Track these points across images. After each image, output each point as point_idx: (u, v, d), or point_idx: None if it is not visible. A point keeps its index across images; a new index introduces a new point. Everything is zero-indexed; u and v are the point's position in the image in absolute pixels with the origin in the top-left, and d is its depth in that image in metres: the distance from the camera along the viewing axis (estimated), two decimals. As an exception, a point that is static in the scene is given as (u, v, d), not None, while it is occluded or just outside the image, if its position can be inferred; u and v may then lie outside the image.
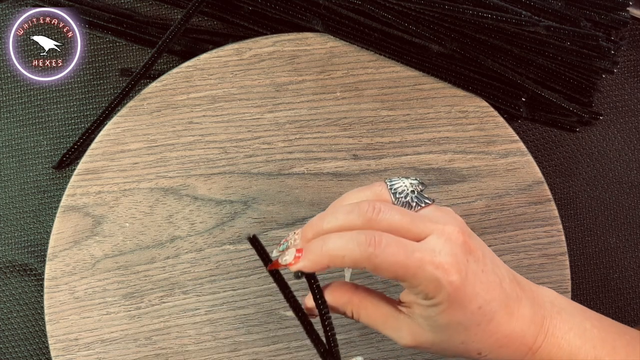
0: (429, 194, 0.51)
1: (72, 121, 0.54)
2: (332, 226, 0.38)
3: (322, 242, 0.37)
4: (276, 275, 0.40)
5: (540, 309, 0.39)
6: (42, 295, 0.51)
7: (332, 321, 0.39)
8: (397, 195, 0.40)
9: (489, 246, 0.50)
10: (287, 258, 0.38)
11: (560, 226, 0.51)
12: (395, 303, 0.40)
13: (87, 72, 0.54)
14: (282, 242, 0.40)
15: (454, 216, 0.39)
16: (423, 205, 0.39)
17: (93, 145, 0.51)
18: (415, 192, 0.40)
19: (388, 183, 0.40)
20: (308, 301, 0.40)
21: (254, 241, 0.41)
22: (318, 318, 0.39)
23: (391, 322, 0.39)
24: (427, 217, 0.38)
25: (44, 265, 0.51)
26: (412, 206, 0.39)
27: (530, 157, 0.51)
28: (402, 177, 0.41)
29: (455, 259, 0.36)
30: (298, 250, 0.38)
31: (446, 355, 0.40)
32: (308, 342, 0.50)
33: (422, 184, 0.41)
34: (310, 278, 0.39)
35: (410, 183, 0.40)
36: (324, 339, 0.39)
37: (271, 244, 0.50)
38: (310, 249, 0.37)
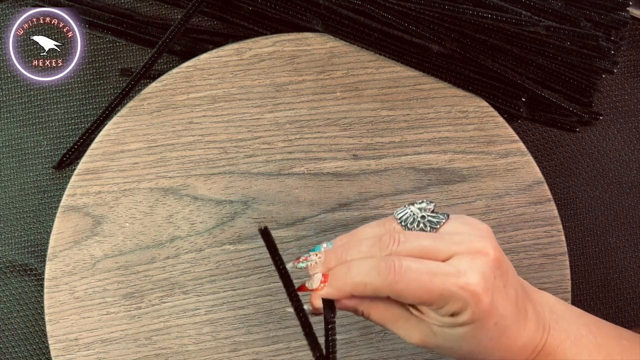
0: (430, 194, 0.51)
1: (72, 121, 0.54)
2: (356, 258, 0.38)
3: (346, 269, 0.38)
4: (281, 269, 0.39)
5: (541, 320, 0.39)
6: (42, 295, 0.51)
7: (335, 326, 0.38)
8: (409, 226, 0.39)
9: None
10: (314, 284, 0.39)
11: (560, 226, 0.51)
12: (406, 305, 0.39)
13: (87, 72, 0.54)
14: (301, 259, 0.40)
15: (481, 227, 0.38)
16: (438, 226, 0.39)
17: (93, 145, 0.51)
18: (426, 217, 0.39)
19: (396, 216, 0.40)
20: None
21: (265, 234, 0.39)
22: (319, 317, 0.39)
23: (402, 323, 0.39)
24: (449, 236, 0.38)
25: (44, 265, 0.51)
26: (428, 229, 0.39)
27: (530, 157, 0.51)
28: (408, 204, 0.40)
29: (483, 277, 0.36)
30: (324, 276, 0.39)
31: (449, 356, 0.40)
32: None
33: (430, 202, 0.40)
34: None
35: (418, 208, 0.40)
36: (323, 343, 0.39)
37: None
38: (335, 276, 0.38)
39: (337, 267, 0.38)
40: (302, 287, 0.39)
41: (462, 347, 0.38)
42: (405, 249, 0.37)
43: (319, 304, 0.39)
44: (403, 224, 0.39)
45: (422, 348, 0.42)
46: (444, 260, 0.37)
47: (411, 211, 0.39)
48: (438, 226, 0.39)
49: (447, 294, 0.36)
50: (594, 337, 0.40)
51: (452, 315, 0.37)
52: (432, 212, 0.39)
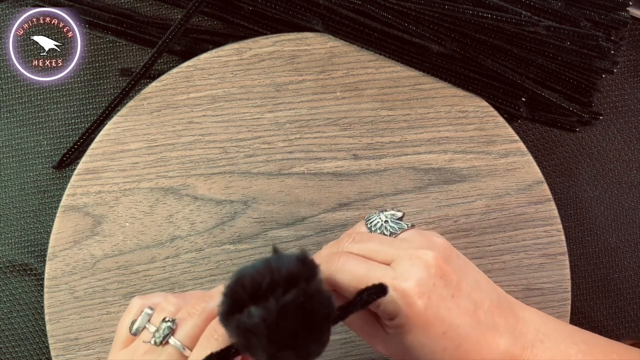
0: (430, 194, 0.51)
1: (72, 121, 0.54)
2: (321, 255, 0.41)
3: None
4: None
5: (520, 339, 0.39)
6: (42, 295, 0.51)
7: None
8: (373, 228, 0.41)
9: (489, 246, 0.50)
10: None
11: (560, 226, 0.51)
12: (375, 313, 0.40)
13: (87, 72, 0.54)
14: None
15: (435, 240, 0.39)
16: (398, 232, 0.41)
17: (93, 145, 0.51)
18: (389, 222, 0.41)
19: (366, 220, 0.42)
20: None
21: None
22: None
23: (368, 330, 0.40)
24: (399, 243, 0.39)
25: (44, 265, 0.51)
26: (386, 235, 0.41)
27: (530, 157, 0.51)
28: (380, 211, 0.43)
29: (418, 282, 0.37)
30: None
31: None
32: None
33: (399, 211, 0.42)
34: None
35: (385, 215, 0.42)
36: None
37: (271, 244, 0.50)
38: None
39: None
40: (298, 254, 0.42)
41: (419, 357, 0.38)
42: (355, 247, 0.39)
43: None
44: (369, 226, 0.42)
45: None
46: (389, 264, 0.38)
47: (379, 217, 0.42)
48: (397, 233, 0.41)
49: None
50: (583, 356, 0.40)
51: (391, 319, 0.37)
52: (399, 219, 0.42)
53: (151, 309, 0.39)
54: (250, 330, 0.29)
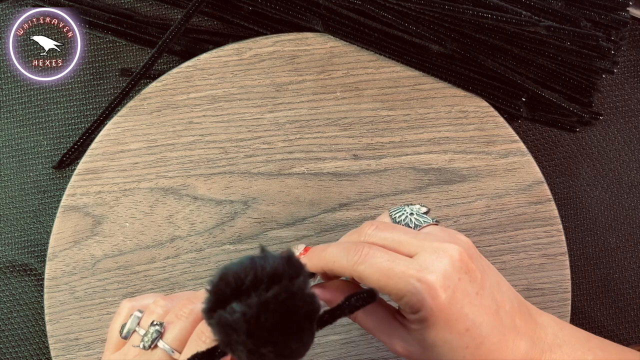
0: (430, 194, 0.51)
1: (72, 121, 0.54)
2: (341, 244, 0.40)
3: (324, 247, 0.40)
4: None
5: (539, 343, 0.39)
6: (42, 295, 0.51)
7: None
8: (397, 220, 0.41)
9: (489, 246, 0.50)
10: (296, 252, 0.41)
11: (560, 226, 0.51)
12: (393, 311, 0.40)
13: (87, 72, 0.54)
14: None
15: (459, 237, 0.39)
16: (423, 225, 0.40)
17: (93, 145, 0.51)
18: (415, 214, 0.41)
19: (390, 211, 0.42)
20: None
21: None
22: None
23: (385, 328, 0.40)
24: (424, 235, 0.39)
25: (44, 265, 0.51)
26: (410, 227, 0.40)
27: (530, 157, 0.51)
28: (405, 204, 0.42)
29: (443, 275, 0.36)
30: (305, 249, 0.41)
31: None
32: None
33: (424, 206, 0.42)
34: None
35: (410, 208, 0.41)
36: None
37: (271, 244, 0.50)
38: (313, 251, 0.40)
39: (319, 245, 0.41)
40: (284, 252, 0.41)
41: (440, 356, 0.38)
42: (379, 235, 0.39)
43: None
44: (392, 217, 0.41)
45: None
46: (412, 256, 0.38)
47: (404, 209, 0.41)
48: (421, 226, 0.40)
49: (404, 283, 0.36)
50: None
51: (415, 312, 0.37)
52: (424, 213, 0.41)
53: (140, 311, 0.39)
54: (231, 326, 0.29)
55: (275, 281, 0.29)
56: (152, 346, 0.37)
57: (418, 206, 0.42)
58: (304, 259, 0.40)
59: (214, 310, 0.30)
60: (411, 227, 0.40)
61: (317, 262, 0.39)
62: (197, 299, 0.38)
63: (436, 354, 0.37)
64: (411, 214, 0.41)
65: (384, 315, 0.40)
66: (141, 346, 0.37)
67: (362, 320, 0.40)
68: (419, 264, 0.37)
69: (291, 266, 0.30)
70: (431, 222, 0.40)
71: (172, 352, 0.36)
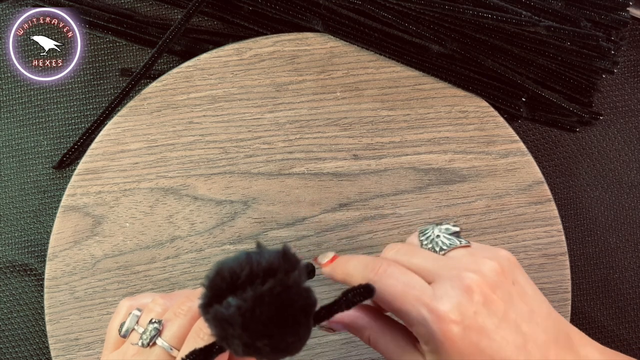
0: (430, 194, 0.51)
1: (72, 121, 0.54)
2: (360, 259, 0.40)
3: (348, 258, 0.39)
4: None
5: None
6: (42, 295, 0.51)
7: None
8: (424, 242, 0.39)
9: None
10: (323, 259, 0.41)
11: (560, 226, 0.51)
12: (414, 340, 0.38)
13: (87, 72, 0.54)
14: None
15: (486, 262, 0.36)
16: (449, 248, 0.37)
17: (93, 145, 0.51)
18: (442, 236, 0.38)
19: (419, 230, 0.40)
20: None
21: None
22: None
23: (403, 356, 0.37)
24: (445, 262, 0.36)
25: (44, 265, 0.51)
26: (436, 250, 0.38)
27: (530, 157, 0.51)
28: (436, 224, 0.40)
29: (457, 307, 0.34)
30: (333, 257, 0.40)
31: None
32: (308, 342, 0.50)
33: (455, 225, 0.39)
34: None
35: (439, 228, 0.39)
36: None
37: (271, 244, 0.50)
38: (338, 261, 0.40)
39: (345, 255, 0.40)
40: (315, 259, 0.42)
41: None
42: (399, 259, 0.37)
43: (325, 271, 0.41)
44: (421, 239, 0.39)
45: None
46: (431, 283, 0.36)
47: (432, 230, 0.39)
48: (446, 250, 0.38)
49: (415, 311, 0.35)
50: None
51: (425, 344, 0.35)
52: (453, 234, 0.39)
53: (139, 310, 0.39)
54: (227, 320, 0.29)
55: (270, 275, 0.29)
56: (150, 344, 0.37)
57: (448, 225, 0.39)
58: (327, 269, 0.40)
59: (210, 305, 0.30)
60: (436, 251, 0.38)
61: (337, 273, 0.39)
62: (196, 296, 0.38)
63: None
64: (437, 236, 0.38)
65: (405, 345, 0.38)
66: (140, 344, 0.37)
67: (382, 348, 0.38)
68: (434, 292, 0.35)
69: (287, 260, 0.30)
70: (459, 244, 0.38)
71: (171, 349, 0.36)
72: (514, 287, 0.36)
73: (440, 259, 0.37)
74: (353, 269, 0.38)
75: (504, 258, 0.37)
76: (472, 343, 0.34)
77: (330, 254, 0.41)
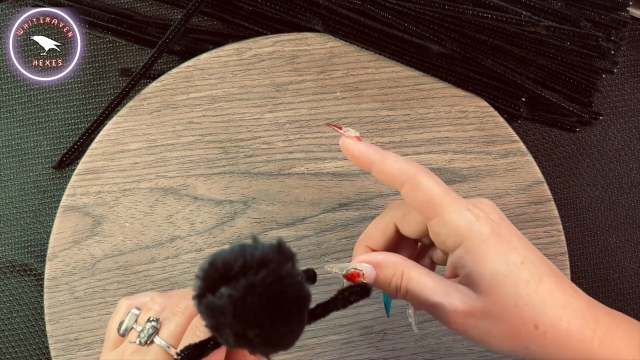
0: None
1: (72, 121, 0.54)
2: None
3: (381, 150, 0.38)
4: None
5: (593, 303, 0.37)
6: (42, 295, 0.51)
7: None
8: None
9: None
10: (351, 134, 0.39)
11: (560, 226, 0.51)
12: (444, 277, 0.38)
13: (87, 72, 0.54)
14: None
15: (484, 201, 0.38)
16: None
17: (93, 145, 0.51)
18: None
19: None
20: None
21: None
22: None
23: (441, 288, 0.36)
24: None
25: (44, 265, 0.51)
26: None
27: (530, 157, 0.51)
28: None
29: (486, 214, 0.36)
30: (357, 138, 0.39)
31: (496, 339, 0.36)
32: (308, 342, 0.50)
33: None
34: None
35: None
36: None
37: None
38: (368, 146, 0.39)
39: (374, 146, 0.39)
40: (339, 127, 0.40)
41: (501, 299, 0.35)
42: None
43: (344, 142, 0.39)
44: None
45: (463, 330, 0.37)
46: None
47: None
48: None
49: (455, 207, 0.36)
50: None
51: (460, 245, 0.36)
52: None
53: (138, 309, 0.39)
54: (219, 309, 0.29)
55: (264, 267, 0.30)
56: (148, 342, 0.37)
57: None
58: (357, 145, 0.38)
59: (203, 296, 0.30)
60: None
61: (372, 152, 0.38)
62: None
63: (496, 298, 0.35)
64: None
65: (437, 277, 0.37)
66: (137, 342, 0.37)
67: (415, 284, 0.37)
68: (467, 201, 0.37)
69: (281, 253, 0.30)
70: None
71: (168, 347, 0.36)
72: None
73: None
74: (396, 159, 0.38)
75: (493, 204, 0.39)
76: (506, 238, 0.36)
77: (353, 131, 0.39)
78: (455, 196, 0.37)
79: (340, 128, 0.39)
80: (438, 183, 0.37)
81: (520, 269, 0.35)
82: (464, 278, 0.36)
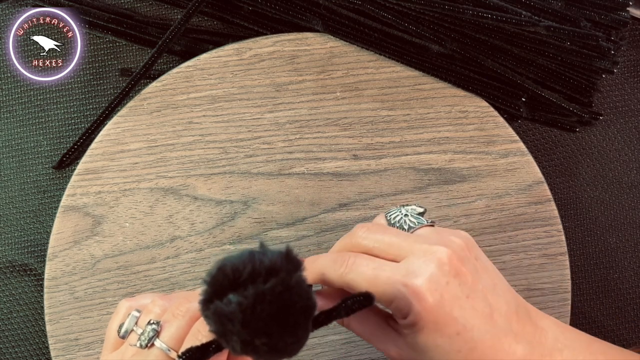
0: (430, 194, 0.51)
1: (72, 121, 0.54)
2: (335, 249, 0.41)
3: (314, 258, 0.40)
4: None
5: (538, 347, 0.38)
6: (42, 295, 0.51)
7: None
8: (392, 222, 0.41)
9: (489, 246, 0.50)
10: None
11: (560, 226, 0.51)
12: (386, 316, 0.40)
13: (87, 72, 0.54)
14: None
15: (452, 239, 0.38)
16: (416, 227, 0.40)
17: (93, 145, 0.51)
18: (409, 216, 0.40)
19: (386, 213, 0.42)
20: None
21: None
22: None
23: (378, 334, 0.39)
24: (415, 238, 0.38)
25: (44, 265, 0.51)
26: (404, 229, 0.40)
27: (530, 157, 0.51)
28: (402, 205, 0.42)
29: (430, 279, 0.36)
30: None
31: None
32: (308, 342, 0.50)
33: (421, 207, 0.42)
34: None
35: (406, 209, 0.41)
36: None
37: (271, 244, 0.50)
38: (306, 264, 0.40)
39: (311, 257, 0.41)
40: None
41: None
42: (370, 238, 0.39)
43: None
44: (388, 219, 0.41)
45: None
46: (399, 260, 0.38)
47: (399, 210, 0.41)
48: (414, 228, 0.40)
49: (391, 289, 0.36)
50: None
51: (404, 317, 0.37)
52: (419, 214, 0.41)
53: (138, 311, 0.39)
54: (227, 316, 0.29)
55: (273, 274, 0.30)
56: (148, 345, 0.37)
57: (413, 206, 0.41)
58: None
59: (210, 301, 0.30)
60: (405, 229, 0.40)
61: (309, 274, 0.39)
62: (194, 298, 0.38)
63: (429, 358, 0.37)
64: (405, 215, 0.41)
65: (376, 322, 0.40)
66: (138, 345, 0.37)
67: (355, 328, 0.40)
68: (405, 268, 0.37)
69: (290, 261, 0.30)
70: (425, 223, 0.40)
71: (169, 350, 0.36)
72: (477, 262, 0.38)
73: (410, 236, 0.39)
74: (323, 267, 0.39)
75: (466, 237, 0.39)
76: (446, 312, 0.36)
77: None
78: (389, 269, 0.37)
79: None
80: (365, 269, 0.37)
81: (453, 339, 0.36)
82: (407, 330, 0.37)
